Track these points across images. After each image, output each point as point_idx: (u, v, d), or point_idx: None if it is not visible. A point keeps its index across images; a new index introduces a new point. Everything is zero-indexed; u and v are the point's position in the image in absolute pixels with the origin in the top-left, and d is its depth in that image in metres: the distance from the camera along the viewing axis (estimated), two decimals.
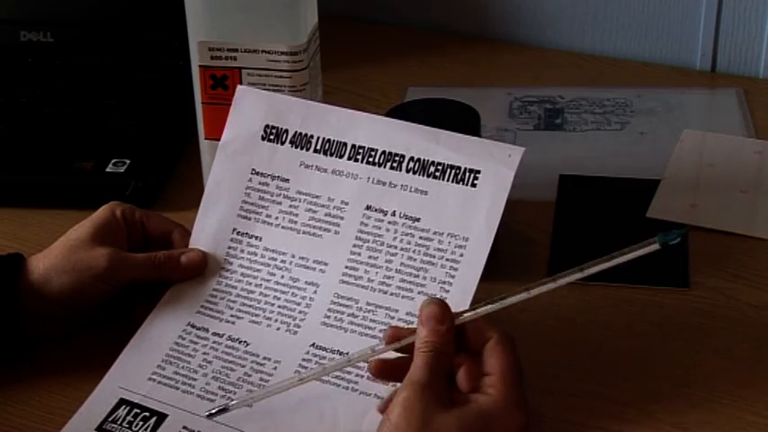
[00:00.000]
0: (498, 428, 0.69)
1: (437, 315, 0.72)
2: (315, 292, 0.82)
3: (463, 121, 0.90)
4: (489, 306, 0.73)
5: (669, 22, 1.23)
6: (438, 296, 0.78)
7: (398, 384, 0.72)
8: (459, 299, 0.77)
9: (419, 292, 0.79)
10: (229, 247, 0.86)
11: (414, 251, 0.81)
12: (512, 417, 0.70)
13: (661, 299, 0.89)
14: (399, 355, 0.74)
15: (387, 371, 0.74)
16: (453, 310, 0.74)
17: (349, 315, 0.80)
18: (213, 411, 0.76)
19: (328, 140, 0.85)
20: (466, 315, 0.73)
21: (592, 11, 1.26)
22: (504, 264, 0.91)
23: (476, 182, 0.80)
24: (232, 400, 0.76)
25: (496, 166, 0.80)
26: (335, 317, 0.81)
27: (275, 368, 0.79)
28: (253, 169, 0.87)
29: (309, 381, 0.76)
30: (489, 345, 0.72)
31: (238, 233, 0.86)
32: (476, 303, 0.75)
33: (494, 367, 0.71)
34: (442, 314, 0.72)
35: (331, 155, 0.85)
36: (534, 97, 1.17)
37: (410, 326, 0.75)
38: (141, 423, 0.77)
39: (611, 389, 0.80)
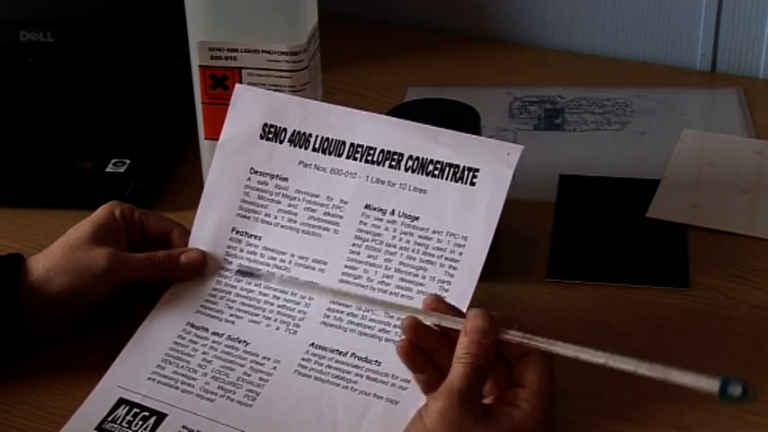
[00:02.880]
0: None
1: (483, 329, 0.71)
2: None
3: (463, 121, 0.90)
4: (541, 342, 0.71)
5: (669, 22, 1.23)
6: (437, 294, 0.78)
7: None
8: (459, 298, 0.77)
9: (418, 291, 0.79)
10: (229, 247, 0.86)
11: (413, 250, 0.81)
12: None
13: (661, 299, 0.89)
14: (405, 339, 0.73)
15: (414, 356, 0.73)
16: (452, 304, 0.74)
17: (348, 314, 0.80)
18: (244, 270, 0.76)
19: (327, 139, 0.85)
20: (512, 335, 0.71)
21: (592, 11, 1.26)
22: (503, 264, 0.91)
23: (474, 180, 0.80)
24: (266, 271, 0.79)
25: (495, 164, 0.80)
26: (335, 316, 0.81)
27: (275, 368, 0.79)
28: (251, 168, 0.87)
29: (342, 298, 0.78)
30: (530, 357, 0.71)
31: (237, 232, 0.86)
32: (491, 308, 0.73)
33: (531, 381, 0.71)
34: (488, 328, 0.71)
35: (330, 154, 0.85)
36: (534, 97, 1.17)
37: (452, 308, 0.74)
38: (141, 423, 0.77)
39: (611, 389, 0.79)
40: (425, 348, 0.73)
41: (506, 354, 0.72)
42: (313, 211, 0.84)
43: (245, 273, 0.78)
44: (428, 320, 0.73)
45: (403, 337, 0.73)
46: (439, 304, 0.74)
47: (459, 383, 0.68)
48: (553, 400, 0.71)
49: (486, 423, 0.68)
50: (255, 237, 0.86)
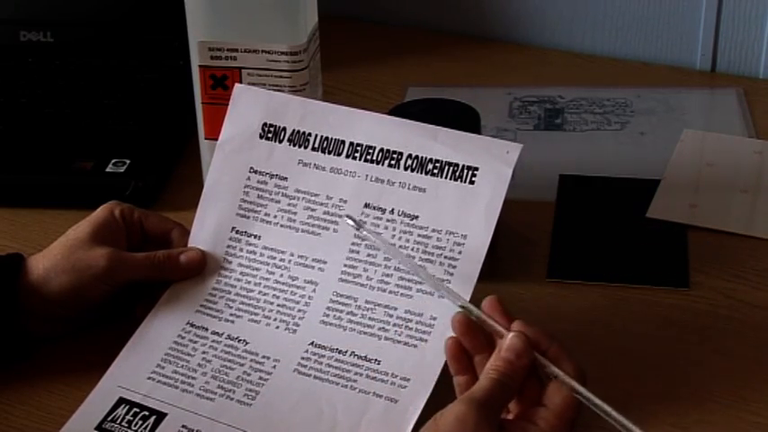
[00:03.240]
0: None
1: (519, 350, 0.71)
2: (314, 290, 0.82)
3: (463, 121, 0.90)
4: (563, 374, 0.71)
5: (669, 22, 1.23)
6: (436, 294, 0.78)
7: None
8: (457, 297, 0.77)
9: (418, 290, 0.79)
10: (228, 246, 0.86)
11: (412, 249, 0.81)
12: None
13: (661, 299, 0.89)
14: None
15: (459, 357, 0.73)
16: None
17: (348, 313, 0.80)
18: (356, 221, 0.80)
19: (326, 138, 0.85)
20: (543, 362, 0.72)
21: (592, 11, 1.26)
22: (503, 264, 0.91)
23: (474, 179, 0.80)
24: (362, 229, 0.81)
25: (494, 162, 0.80)
26: (334, 315, 0.81)
27: (274, 367, 0.79)
28: (251, 168, 0.87)
29: (419, 274, 0.78)
30: (561, 380, 0.71)
31: (237, 232, 0.86)
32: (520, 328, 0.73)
33: (555, 402, 0.71)
34: (524, 351, 0.71)
35: (329, 153, 0.85)
36: (534, 97, 1.17)
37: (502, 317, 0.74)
38: (140, 422, 0.77)
39: (611, 389, 0.79)
40: (469, 347, 0.73)
41: (540, 372, 0.72)
42: (312, 210, 0.84)
43: (355, 222, 0.80)
44: (475, 316, 0.74)
45: (452, 334, 0.74)
46: (494, 310, 0.74)
47: (480, 394, 0.69)
48: (573, 426, 0.71)
49: None
50: (255, 236, 0.85)
